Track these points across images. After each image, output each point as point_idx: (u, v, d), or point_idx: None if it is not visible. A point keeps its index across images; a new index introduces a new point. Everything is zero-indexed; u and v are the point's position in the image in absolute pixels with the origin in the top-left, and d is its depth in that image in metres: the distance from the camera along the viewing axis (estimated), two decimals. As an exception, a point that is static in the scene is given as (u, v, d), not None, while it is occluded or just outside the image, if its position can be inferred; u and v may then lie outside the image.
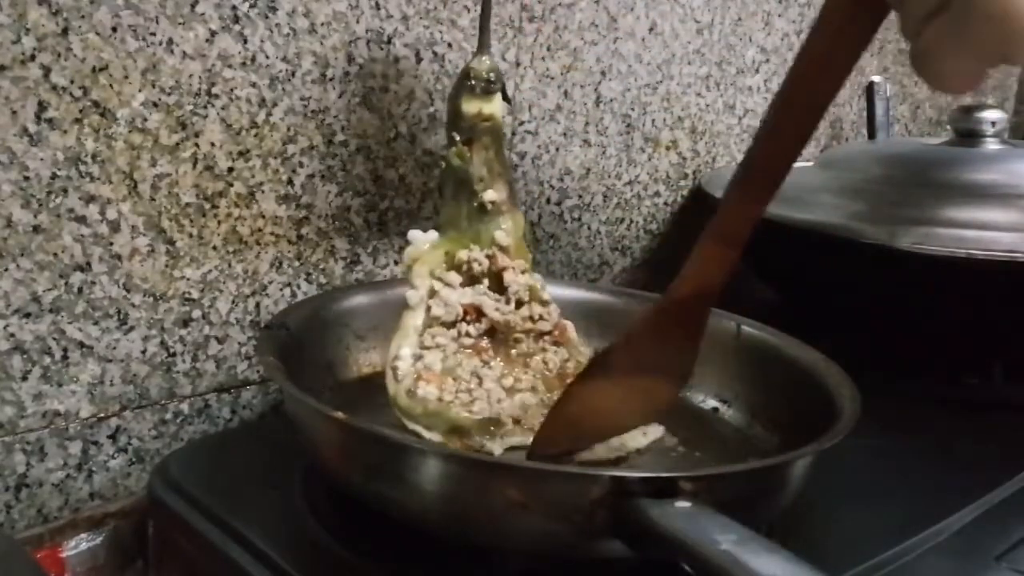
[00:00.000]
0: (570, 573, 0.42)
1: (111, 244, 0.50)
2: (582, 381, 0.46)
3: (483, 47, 0.53)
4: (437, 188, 0.57)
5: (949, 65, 0.28)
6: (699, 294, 0.41)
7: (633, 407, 0.46)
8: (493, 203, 0.53)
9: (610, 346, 0.46)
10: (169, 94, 0.51)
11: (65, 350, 0.50)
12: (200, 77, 0.52)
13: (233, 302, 0.56)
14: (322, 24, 0.56)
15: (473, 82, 0.53)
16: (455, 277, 0.52)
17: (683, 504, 0.35)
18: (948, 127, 0.79)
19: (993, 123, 0.74)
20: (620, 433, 0.48)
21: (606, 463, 0.48)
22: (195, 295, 0.54)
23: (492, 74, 0.53)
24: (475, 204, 0.53)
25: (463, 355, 0.51)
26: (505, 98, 0.54)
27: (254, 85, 0.54)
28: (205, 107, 0.52)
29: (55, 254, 0.48)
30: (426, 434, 0.48)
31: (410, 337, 0.51)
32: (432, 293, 0.51)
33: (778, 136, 0.37)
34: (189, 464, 0.49)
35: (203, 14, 0.51)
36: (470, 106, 0.53)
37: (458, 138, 0.53)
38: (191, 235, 0.53)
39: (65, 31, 0.47)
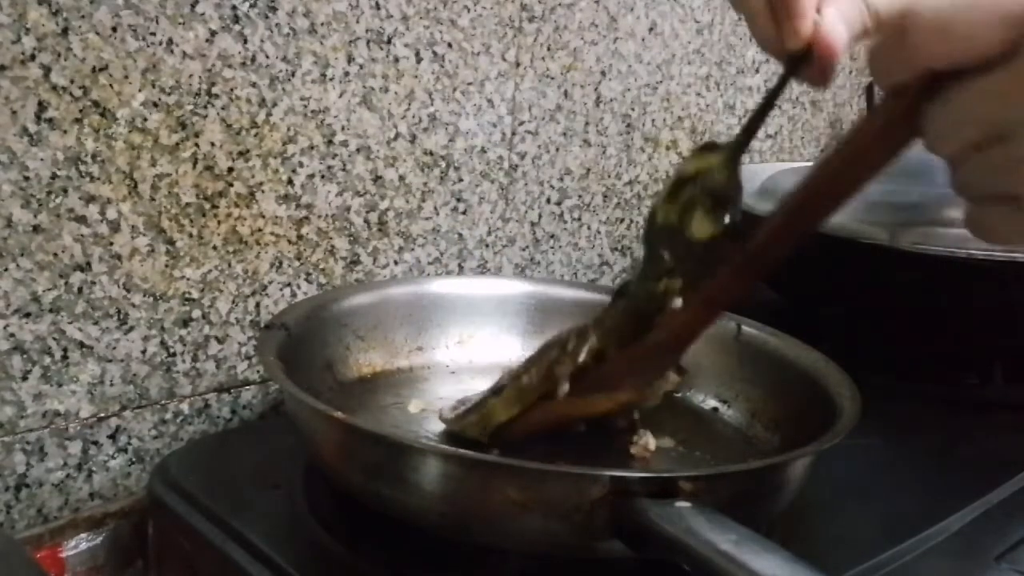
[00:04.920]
0: (570, 573, 0.42)
1: (111, 244, 0.50)
2: (557, 399, 0.47)
3: (749, 136, 0.39)
4: (615, 293, 0.46)
5: (1007, 237, 0.32)
6: (676, 343, 0.45)
7: (594, 411, 0.48)
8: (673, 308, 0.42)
9: (586, 370, 0.47)
10: (169, 94, 0.51)
11: (65, 350, 0.50)
12: (200, 77, 0.52)
13: (233, 302, 0.56)
14: (322, 24, 0.56)
15: (712, 199, 0.38)
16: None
17: (683, 504, 0.35)
18: (948, 127, 0.79)
19: (993, 123, 0.74)
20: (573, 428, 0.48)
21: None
22: (195, 295, 0.54)
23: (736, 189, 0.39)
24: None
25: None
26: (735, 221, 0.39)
27: (254, 85, 0.54)
28: (205, 107, 0.52)
29: (55, 254, 0.48)
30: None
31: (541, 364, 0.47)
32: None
33: (788, 228, 0.38)
34: (189, 464, 0.49)
35: (203, 14, 0.51)
36: (702, 228, 0.38)
37: (670, 265, 0.40)
38: (191, 235, 0.53)
39: (65, 31, 0.47)
